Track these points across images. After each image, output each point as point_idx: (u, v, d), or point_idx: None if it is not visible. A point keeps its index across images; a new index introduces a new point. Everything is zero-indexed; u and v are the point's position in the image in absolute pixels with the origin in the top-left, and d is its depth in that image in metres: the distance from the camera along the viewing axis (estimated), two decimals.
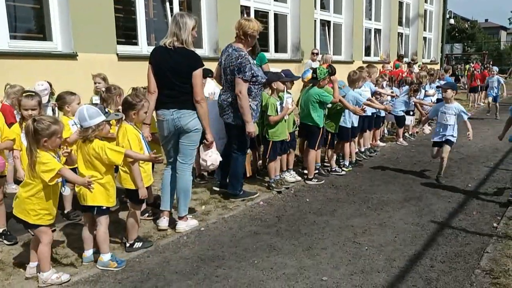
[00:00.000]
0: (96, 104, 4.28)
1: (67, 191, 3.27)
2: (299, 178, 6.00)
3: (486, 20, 58.36)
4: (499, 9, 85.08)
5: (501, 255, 3.64)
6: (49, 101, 5.29)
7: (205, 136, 4.27)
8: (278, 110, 5.35)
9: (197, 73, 4.03)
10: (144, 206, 4.58)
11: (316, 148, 5.81)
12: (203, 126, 4.17)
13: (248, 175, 5.72)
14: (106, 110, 3.61)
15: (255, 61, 5.17)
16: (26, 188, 3.15)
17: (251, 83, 4.77)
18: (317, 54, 10.90)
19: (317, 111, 5.66)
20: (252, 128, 4.82)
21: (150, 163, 3.91)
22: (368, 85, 7.39)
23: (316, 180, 5.92)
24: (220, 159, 4.53)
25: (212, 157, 4.43)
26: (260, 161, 6.35)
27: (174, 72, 3.99)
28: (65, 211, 4.47)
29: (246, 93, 4.73)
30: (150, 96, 4.07)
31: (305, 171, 6.06)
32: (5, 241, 3.91)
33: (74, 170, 3.41)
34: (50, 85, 4.93)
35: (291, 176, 5.94)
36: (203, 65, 4.18)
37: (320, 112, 5.71)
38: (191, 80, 4.00)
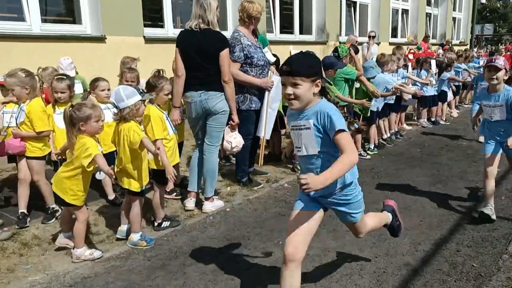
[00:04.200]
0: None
1: (101, 175, 3.31)
2: None
3: None
4: None
5: None
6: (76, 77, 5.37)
7: (231, 118, 4.31)
8: None
9: (224, 53, 4.04)
10: (171, 186, 4.68)
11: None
12: (230, 107, 4.20)
13: (259, 164, 5.42)
14: (141, 90, 3.67)
15: (260, 44, 4.93)
16: (67, 168, 3.26)
17: (246, 65, 4.67)
18: (373, 37, 9.69)
19: (341, 90, 5.62)
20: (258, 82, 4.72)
21: (175, 142, 3.98)
22: (402, 73, 7.36)
23: None
24: (243, 142, 4.55)
25: (237, 139, 4.45)
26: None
27: (200, 54, 4.02)
28: (109, 198, 4.46)
29: (238, 72, 4.57)
30: (178, 80, 4.11)
31: None
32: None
33: (113, 153, 3.46)
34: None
35: None
36: (229, 46, 4.16)
37: (345, 92, 5.68)
38: (218, 61, 4.03)
